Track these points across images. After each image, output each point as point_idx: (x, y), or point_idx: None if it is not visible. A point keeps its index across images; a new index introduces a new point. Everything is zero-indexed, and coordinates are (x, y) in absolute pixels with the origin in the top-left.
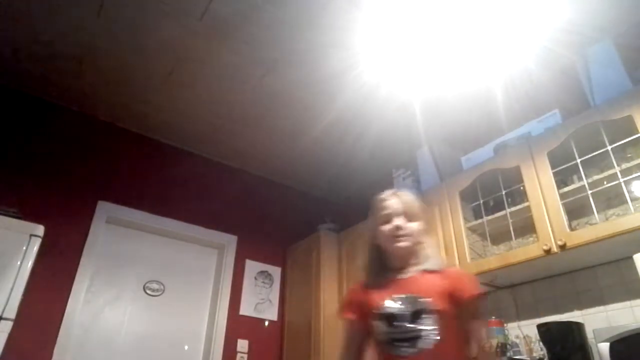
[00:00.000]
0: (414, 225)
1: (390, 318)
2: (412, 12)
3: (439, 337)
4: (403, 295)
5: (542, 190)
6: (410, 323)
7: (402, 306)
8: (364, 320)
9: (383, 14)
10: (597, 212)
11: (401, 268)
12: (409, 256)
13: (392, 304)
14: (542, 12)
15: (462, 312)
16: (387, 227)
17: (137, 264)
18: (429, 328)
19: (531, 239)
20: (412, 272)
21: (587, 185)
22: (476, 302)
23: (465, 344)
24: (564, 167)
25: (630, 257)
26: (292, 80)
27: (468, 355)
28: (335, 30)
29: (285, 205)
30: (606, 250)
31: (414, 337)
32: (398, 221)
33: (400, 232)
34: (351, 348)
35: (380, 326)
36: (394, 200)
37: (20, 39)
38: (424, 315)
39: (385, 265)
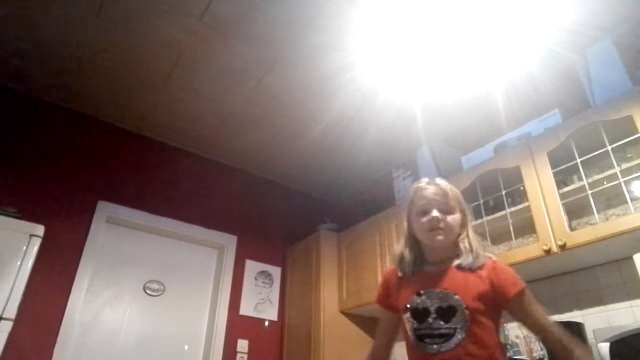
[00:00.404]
0: (452, 218)
1: (420, 313)
2: (413, 13)
3: (469, 336)
4: (436, 290)
5: (542, 190)
6: (440, 320)
7: (434, 302)
8: (393, 311)
9: (384, 14)
10: (597, 212)
11: (436, 261)
12: (445, 250)
13: (423, 299)
14: (543, 13)
15: (511, 310)
16: (423, 219)
17: (137, 264)
18: (459, 326)
19: (531, 239)
20: (447, 266)
21: (587, 185)
22: (522, 297)
23: (498, 343)
24: (564, 167)
25: (630, 257)
26: (292, 80)
27: (500, 354)
28: (336, 31)
29: (285, 205)
30: (606, 250)
31: (443, 335)
32: (435, 213)
33: (438, 225)
34: (381, 337)
35: (409, 321)
36: (432, 189)
37: (20, 39)
38: (455, 313)
39: (420, 257)
